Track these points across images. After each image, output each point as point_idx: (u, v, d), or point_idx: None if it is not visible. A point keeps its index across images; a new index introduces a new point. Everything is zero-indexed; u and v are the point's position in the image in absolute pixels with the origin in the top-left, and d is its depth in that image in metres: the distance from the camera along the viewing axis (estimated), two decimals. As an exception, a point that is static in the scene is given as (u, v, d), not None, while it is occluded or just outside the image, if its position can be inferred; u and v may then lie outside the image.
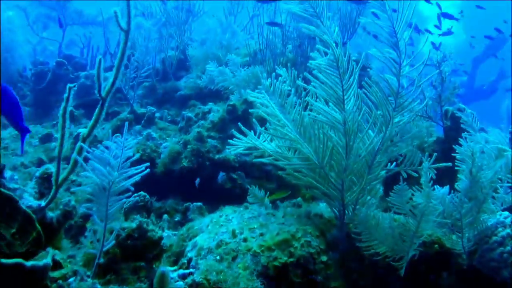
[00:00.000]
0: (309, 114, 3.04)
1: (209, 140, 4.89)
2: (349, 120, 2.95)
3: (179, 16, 7.50)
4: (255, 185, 3.57)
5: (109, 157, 2.53)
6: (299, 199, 3.70)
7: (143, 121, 5.71)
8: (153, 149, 5.04)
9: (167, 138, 5.29)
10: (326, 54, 2.95)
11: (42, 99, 7.72)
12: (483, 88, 14.74)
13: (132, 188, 2.65)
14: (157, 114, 6.44)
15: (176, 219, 4.33)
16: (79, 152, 2.59)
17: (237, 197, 4.33)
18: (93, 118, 2.70)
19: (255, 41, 6.71)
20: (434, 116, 4.52)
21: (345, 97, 2.99)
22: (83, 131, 2.65)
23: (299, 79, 3.24)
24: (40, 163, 5.42)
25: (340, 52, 2.94)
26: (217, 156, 4.79)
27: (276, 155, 3.24)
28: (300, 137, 3.09)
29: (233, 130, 4.96)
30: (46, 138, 6.04)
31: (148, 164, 2.77)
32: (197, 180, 4.50)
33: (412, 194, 2.90)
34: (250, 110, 3.87)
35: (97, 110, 2.68)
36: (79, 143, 2.57)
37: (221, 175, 4.56)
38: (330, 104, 3.01)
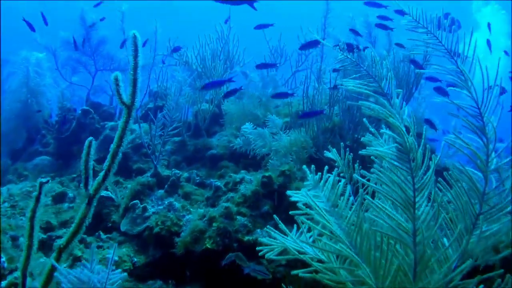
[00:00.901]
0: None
1: (238, 217, 4.18)
2: (420, 232, 2.20)
3: (216, 68, 6.92)
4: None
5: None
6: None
7: (166, 186, 5.04)
8: (174, 222, 4.35)
9: (191, 209, 4.58)
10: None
11: (64, 149, 7.18)
12: None
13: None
14: (185, 175, 5.79)
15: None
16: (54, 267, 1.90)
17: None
18: (77, 218, 2.02)
19: (297, 99, 6.05)
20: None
21: (417, 199, 2.24)
22: (61, 241, 1.97)
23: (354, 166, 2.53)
24: (48, 228, 4.79)
25: (413, 141, 2.21)
26: (246, 238, 4.06)
27: (317, 265, 2.48)
28: (355, 253, 2.33)
29: (266, 206, 4.30)
30: (60, 198, 5.41)
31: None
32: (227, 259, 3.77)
33: None
34: (292, 199, 3.15)
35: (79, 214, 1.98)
36: (51, 260, 1.87)
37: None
38: (397, 207, 2.27)
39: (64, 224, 4.90)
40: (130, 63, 2.19)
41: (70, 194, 5.47)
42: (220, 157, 6.35)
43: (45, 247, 4.47)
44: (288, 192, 2.67)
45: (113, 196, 5.05)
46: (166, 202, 4.55)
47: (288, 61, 7.71)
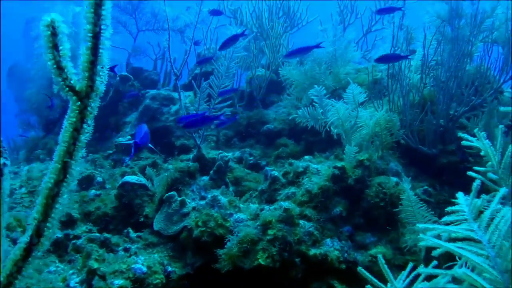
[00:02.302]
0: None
1: (301, 222, 3.17)
2: None
3: (274, 28, 5.83)
4: None
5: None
6: None
7: (212, 172, 4.06)
8: (218, 223, 3.36)
9: (240, 206, 3.58)
10: None
11: (101, 120, 6.30)
12: None
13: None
14: (237, 154, 4.85)
15: None
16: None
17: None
18: None
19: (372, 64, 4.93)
20: None
21: None
22: None
23: None
24: (69, 221, 3.93)
25: None
26: (312, 252, 3.05)
27: None
28: None
29: (339, 207, 3.27)
30: (87, 182, 4.55)
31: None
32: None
33: None
34: (426, 244, 2.07)
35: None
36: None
37: None
38: None
39: (88, 216, 4.04)
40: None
41: (99, 178, 4.60)
42: (278, 133, 5.36)
43: (61, 248, 3.61)
44: (420, 235, 1.62)
45: (147, 183, 4.13)
46: (210, 196, 3.56)
47: (359, 19, 6.54)
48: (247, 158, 4.94)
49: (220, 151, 4.43)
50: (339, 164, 3.31)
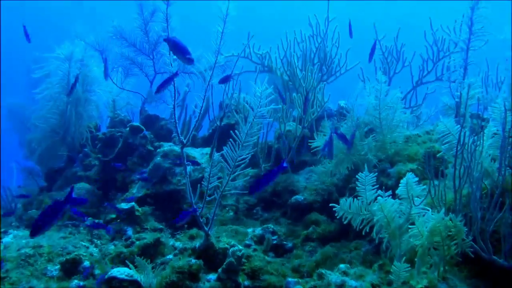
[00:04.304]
0: None
1: None
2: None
3: (307, 77, 4.99)
4: None
5: None
6: None
7: (220, 270, 3.19)
8: None
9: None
10: None
11: (108, 176, 5.53)
12: None
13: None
14: (258, 231, 4.06)
15: None
16: None
17: None
18: None
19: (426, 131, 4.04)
20: None
21: None
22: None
23: None
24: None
25: None
26: None
27: None
28: None
29: None
30: (71, 267, 3.73)
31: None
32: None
33: None
34: None
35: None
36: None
37: None
38: None
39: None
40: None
41: (86, 263, 3.77)
42: (308, 206, 4.53)
43: None
44: None
45: (140, 278, 3.28)
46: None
47: (407, 67, 5.63)
48: (270, 238, 4.10)
49: (231, 241, 3.53)
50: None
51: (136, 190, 5.05)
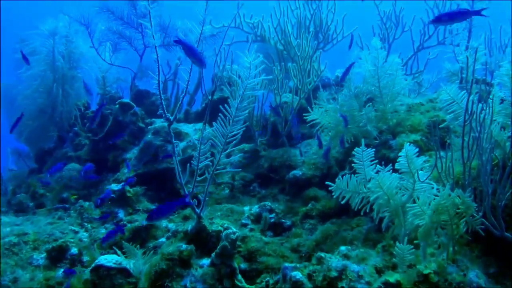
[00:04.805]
0: None
1: None
2: None
3: (303, 45, 4.74)
4: None
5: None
6: None
7: (214, 255, 3.00)
8: None
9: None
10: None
11: (99, 155, 5.32)
12: None
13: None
14: (255, 209, 3.88)
15: None
16: None
17: None
18: None
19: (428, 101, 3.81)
20: None
21: None
22: None
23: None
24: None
25: None
26: None
27: None
28: None
29: None
30: (57, 255, 3.55)
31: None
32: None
33: None
34: None
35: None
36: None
37: None
38: None
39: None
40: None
41: (74, 250, 3.58)
42: (307, 182, 4.32)
43: None
44: None
45: (129, 266, 3.10)
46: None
47: (407, 32, 5.36)
48: (267, 217, 3.91)
49: (225, 224, 3.32)
50: (391, 279, 2.19)
51: (127, 170, 4.84)
